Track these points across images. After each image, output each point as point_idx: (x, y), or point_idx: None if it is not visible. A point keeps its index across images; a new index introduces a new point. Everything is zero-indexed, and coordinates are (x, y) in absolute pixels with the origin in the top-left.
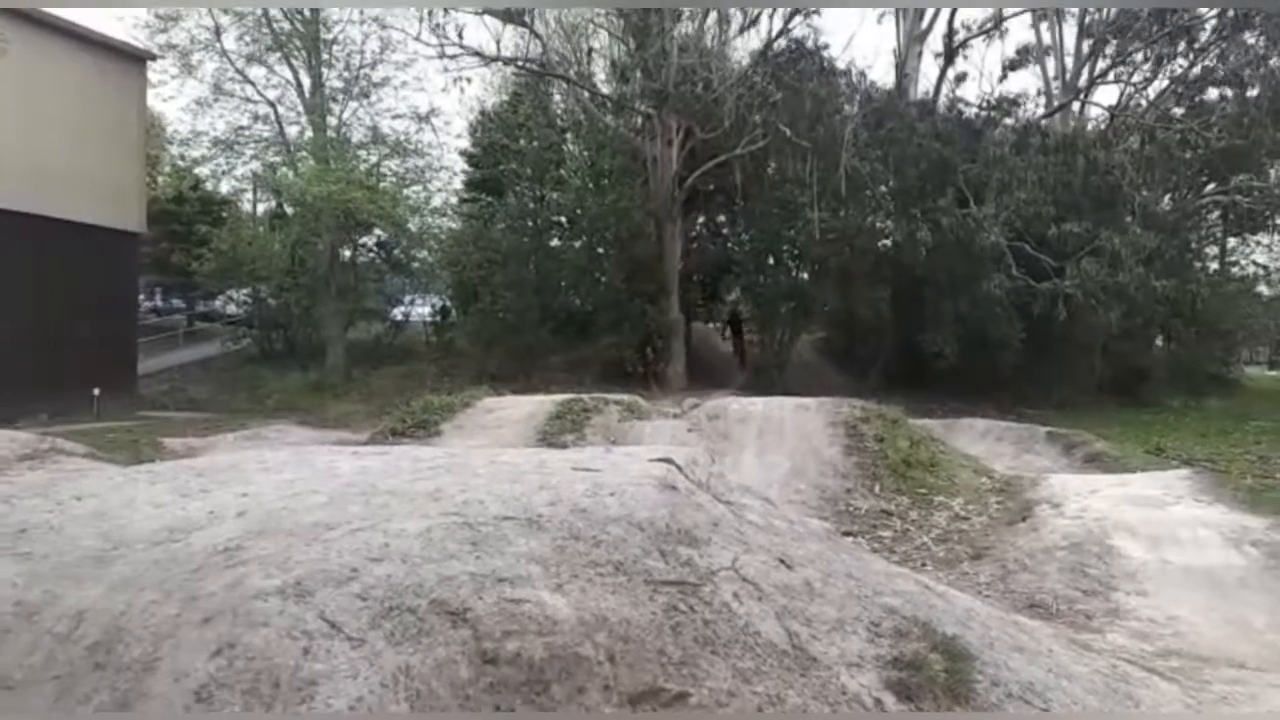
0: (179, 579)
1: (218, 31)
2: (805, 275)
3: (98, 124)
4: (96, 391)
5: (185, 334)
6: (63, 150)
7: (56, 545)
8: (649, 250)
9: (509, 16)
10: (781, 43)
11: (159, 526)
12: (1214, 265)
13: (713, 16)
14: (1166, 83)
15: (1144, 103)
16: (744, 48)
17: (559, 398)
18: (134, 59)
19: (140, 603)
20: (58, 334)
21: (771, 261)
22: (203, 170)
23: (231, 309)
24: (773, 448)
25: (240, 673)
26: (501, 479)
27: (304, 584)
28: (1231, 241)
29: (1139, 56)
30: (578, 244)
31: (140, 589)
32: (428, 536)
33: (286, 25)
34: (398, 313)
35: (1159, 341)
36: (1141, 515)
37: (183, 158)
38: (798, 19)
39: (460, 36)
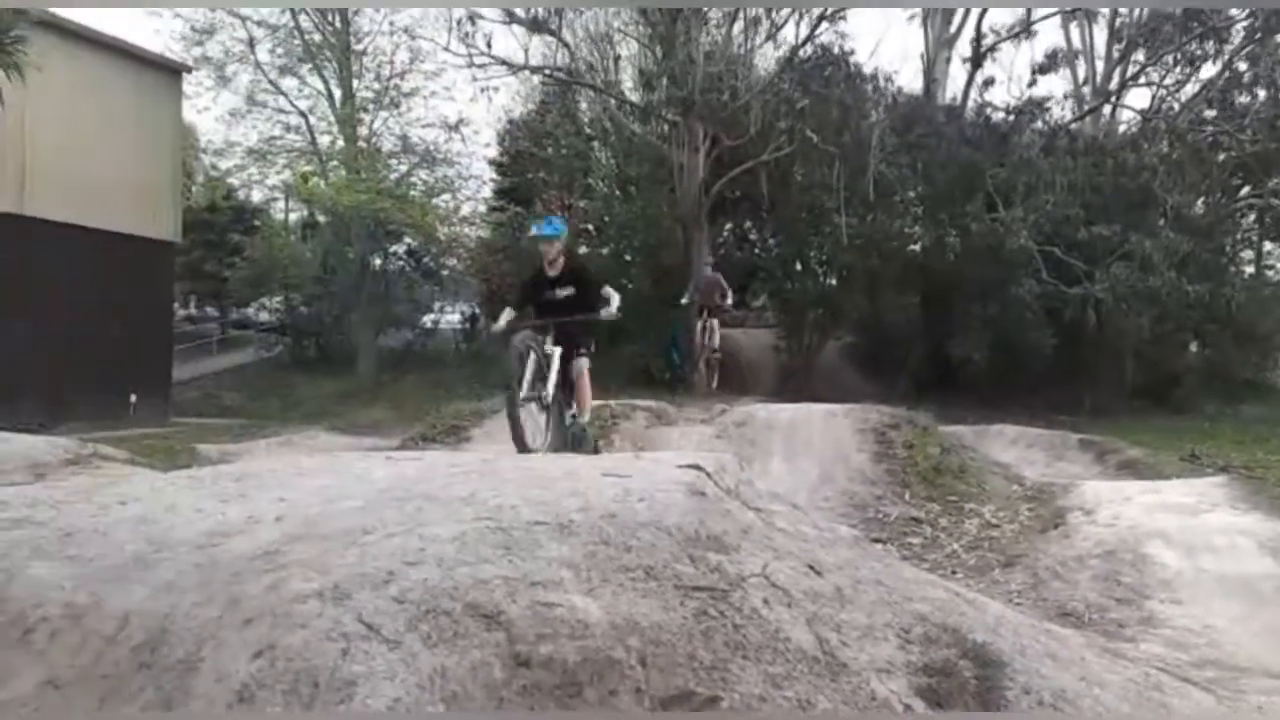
0: (220, 582)
1: (251, 44)
2: (833, 281)
3: (134, 135)
4: (133, 398)
5: (219, 341)
6: (100, 161)
7: (102, 549)
8: (676, 257)
9: (536, 25)
10: (808, 49)
11: (200, 531)
12: (1249, 269)
13: (739, 24)
14: (1198, 86)
15: (1176, 106)
16: (770, 55)
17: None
18: (170, 71)
19: (184, 605)
20: (95, 342)
21: (799, 267)
22: (235, 180)
23: (264, 316)
24: (801, 454)
25: (280, 674)
26: (532, 484)
27: (342, 587)
28: (1268, 245)
29: (1170, 59)
30: (605, 251)
31: (183, 592)
32: (462, 540)
33: (318, 36)
34: (428, 320)
35: (1193, 347)
36: (1176, 523)
37: (216, 167)
38: (824, 25)
39: (489, 46)
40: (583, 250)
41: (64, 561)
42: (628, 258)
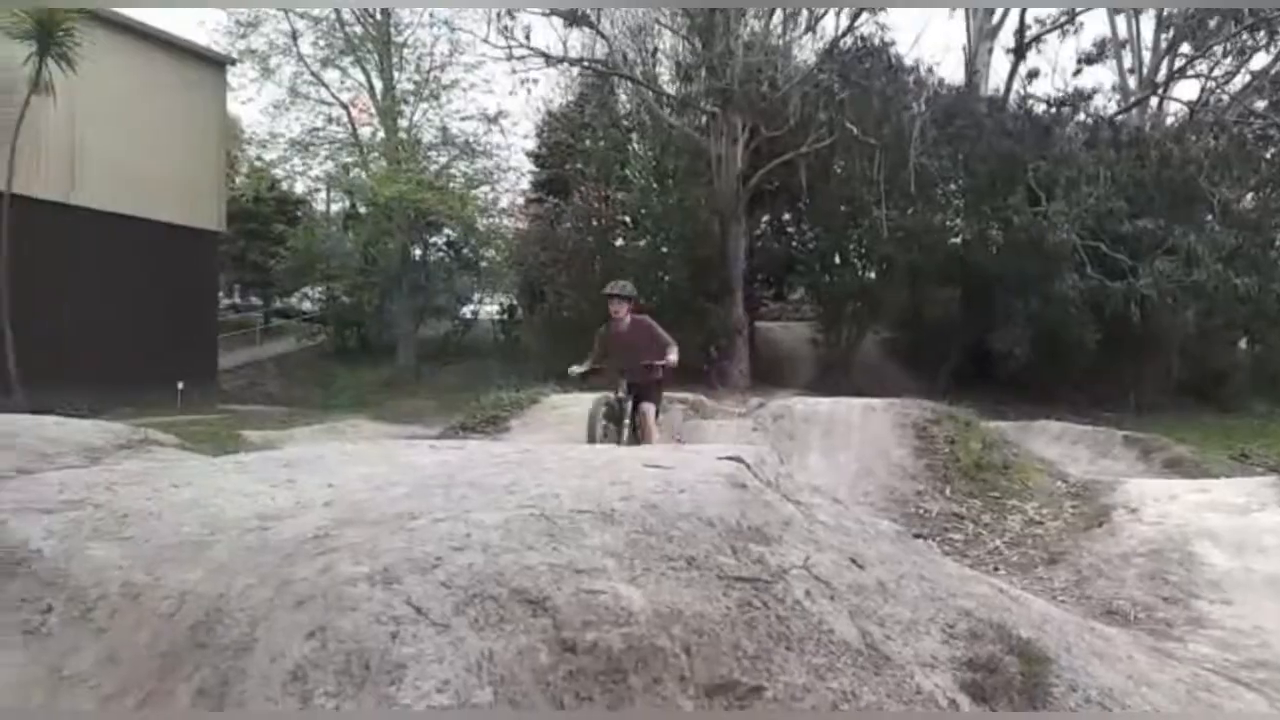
0: (272, 565)
1: (294, 36)
2: (872, 274)
3: (180, 127)
4: (180, 385)
5: (262, 330)
6: (147, 152)
7: (157, 530)
8: (713, 249)
9: (574, 18)
10: (848, 40)
11: (251, 514)
12: None
13: (778, 15)
14: (1248, 77)
15: (1225, 98)
16: (810, 46)
17: (623, 395)
18: (215, 64)
19: (237, 586)
20: (142, 329)
21: (837, 260)
22: (279, 171)
23: (307, 306)
24: (840, 448)
25: (332, 655)
26: (574, 474)
27: (391, 571)
28: None
29: (1219, 50)
30: (642, 243)
31: (236, 573)
32: (506, 527)
33: (359, 29)
34: (466, 311)
35: (1242, 343)
36: (1225, 522)
37: (260, 159)
38: (864, 16)
39: (527, 38)
40: (619, 242)
41: (121, 542)
42: (664, 250)
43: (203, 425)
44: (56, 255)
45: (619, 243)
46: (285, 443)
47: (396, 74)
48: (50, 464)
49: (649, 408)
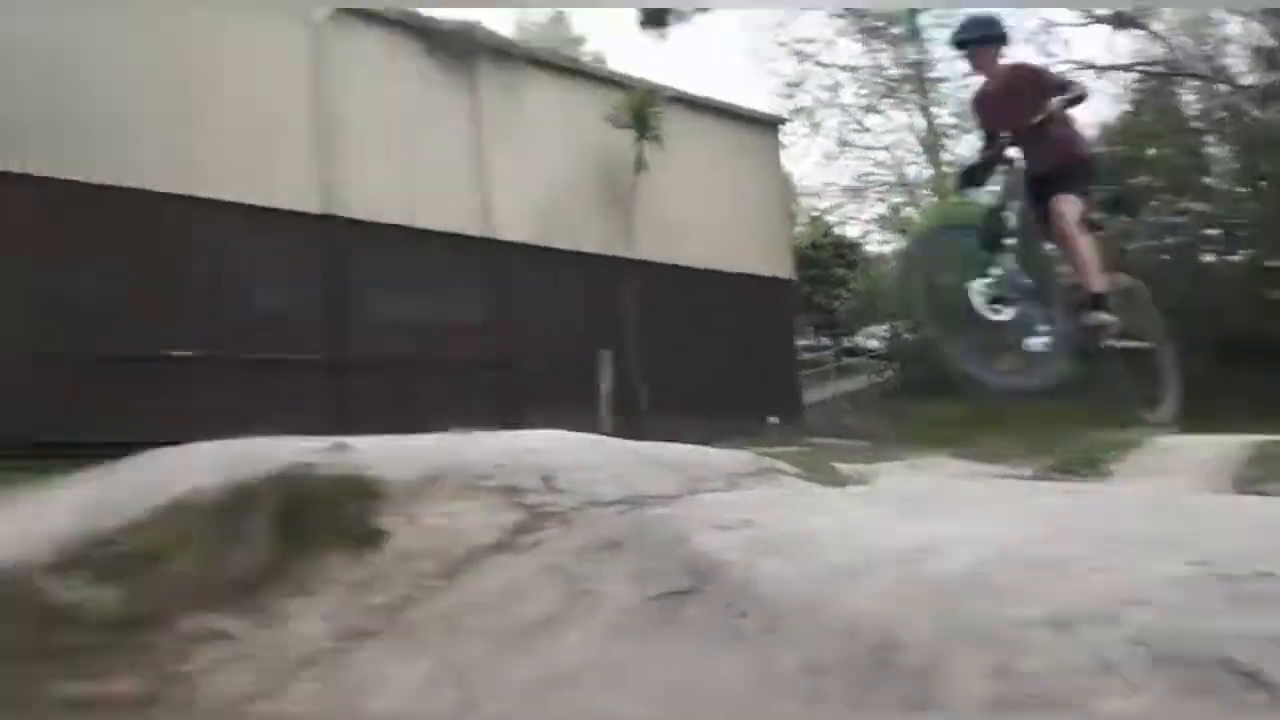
0: (935, 598)
1: (835, 88)
2: None
3: (747, 187)
4: (774, 419)
5: (836, 368)
6: (723, 213)
7: (814, 553)
8: None
9: (1120, 21)
10: None
11: (897, 547)
12: None
13: None
14: None
15: None
16: None
17: (1250, 439)
18: (769, 125)
19: (903, 615)
20: (736, 369)
21: None
22: (832, 218)
23: (872, 344)
24: None
25: (1021, 697)
26: (1232, 527)
27: (1062, 618)
28: None
29: None
30: (1236, 257)
31: (901, 602)
32: (1182, 585)
33: (895, 72)
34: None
35: None
36: None
37: (814, 208)
38: None
39: (1066, 49)
40: (1207, 258)
41: (788, 561)
42: (1268, 265)
43: (799, 456)
44: (667, 309)
45: (1207, 259)
46: (874, 476)
47: (936, 110)
48: (704, 486)
49: (1067, 205)
